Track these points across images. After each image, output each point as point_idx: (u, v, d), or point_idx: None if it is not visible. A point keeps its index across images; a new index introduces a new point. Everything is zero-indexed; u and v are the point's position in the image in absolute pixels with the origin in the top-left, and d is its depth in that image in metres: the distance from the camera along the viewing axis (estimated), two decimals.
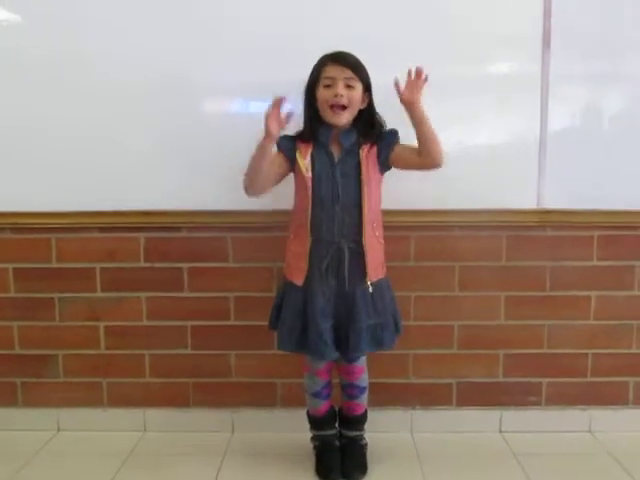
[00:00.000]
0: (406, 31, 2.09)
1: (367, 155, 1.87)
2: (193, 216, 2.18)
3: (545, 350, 2.27)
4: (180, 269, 2.24)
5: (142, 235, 2.23)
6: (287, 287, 1.93)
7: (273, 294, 2.07)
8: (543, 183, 2.15)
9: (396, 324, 1.96)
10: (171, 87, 2.13)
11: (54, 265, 2.24)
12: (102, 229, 2.22)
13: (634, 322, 2.26)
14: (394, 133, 1.90)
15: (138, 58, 2.12)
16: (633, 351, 2.27)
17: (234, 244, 2.23)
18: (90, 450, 2.17)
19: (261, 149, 1.79)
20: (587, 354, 2.27)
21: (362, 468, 2.01)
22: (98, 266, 2.25)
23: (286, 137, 1.90)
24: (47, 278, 2.25)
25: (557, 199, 2.16)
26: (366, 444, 2.09)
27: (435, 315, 2.25)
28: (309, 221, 1.86)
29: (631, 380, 2.29)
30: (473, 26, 2.10)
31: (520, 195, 2.17)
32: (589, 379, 2.28)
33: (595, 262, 2.23)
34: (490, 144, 2.17)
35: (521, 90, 2.14)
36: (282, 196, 1.96)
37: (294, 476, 1.99)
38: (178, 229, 2.22)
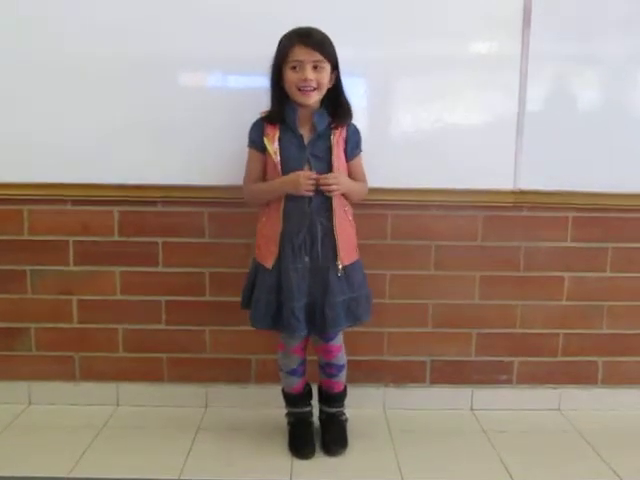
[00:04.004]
0: (385, 6, 2.07)
1: (338, 140, 1.87)
2: (169, 190, 2.15)
3: (517, 330, 2.29)
4: (155, 243, 2.22)
5: (116, 209, 2.19)
6: (259, 268, 1.92)
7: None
8: (520, 164, 2.16)
9: (367, 302, 1.97)
10: (147, 60, 2.09)
11: (26, 237, 2.21)
12: (75, 202, 2.19)
13: (605, 303, 2.29)
14: (360, 147, 1.94)
15: (111, 31, 2.06)
16: (603, 331, 2.30)
17: (210, 219, 2.21)
18: (62, 424, 2.15)
19: (276, 192, 1.84)
20: (559, 334, 2.30)
21: (342, 443, 2.02)
22: (71, 239, 2.21)
23: (255, 126, 1.89)
24: (19, 250, 2.21)
25: (533, 180, 2.17)
26: (346, 419, 2.10)
27: (410, 293, 2.26)
28: (282, 205, 1.85)
29: (600, 360, 2.33)
30: (453, 3, 2.09)
31: (497, 175, 2.17)
32: (560, 358, 2.31)
33: (569, 243, 2.25)
34: (468, 123, 2.16)
35: (500, 69, 2.14)
36: None
37: (267, 452, 2.00)
38: (153, 203, 2.19)
